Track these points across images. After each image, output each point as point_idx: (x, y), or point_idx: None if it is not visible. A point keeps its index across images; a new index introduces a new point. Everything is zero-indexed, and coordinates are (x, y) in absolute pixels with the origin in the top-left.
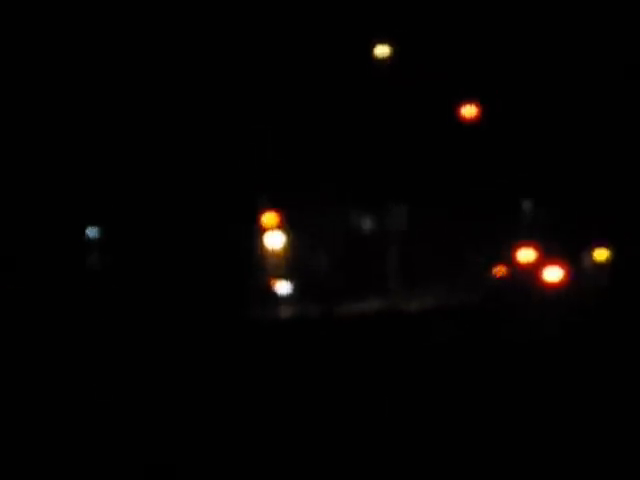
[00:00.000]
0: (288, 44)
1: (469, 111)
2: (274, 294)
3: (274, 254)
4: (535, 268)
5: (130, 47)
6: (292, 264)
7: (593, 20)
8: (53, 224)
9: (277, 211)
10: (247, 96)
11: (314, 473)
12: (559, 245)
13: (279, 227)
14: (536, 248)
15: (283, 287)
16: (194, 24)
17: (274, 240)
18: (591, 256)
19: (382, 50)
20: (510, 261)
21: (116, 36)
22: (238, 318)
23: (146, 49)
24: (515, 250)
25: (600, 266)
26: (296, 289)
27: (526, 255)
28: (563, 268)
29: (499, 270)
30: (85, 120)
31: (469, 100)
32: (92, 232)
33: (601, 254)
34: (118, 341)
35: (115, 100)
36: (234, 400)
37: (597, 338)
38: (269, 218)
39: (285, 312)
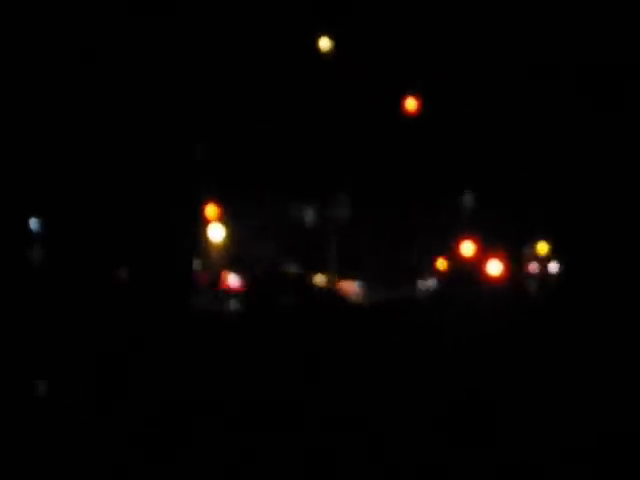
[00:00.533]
0: (236, 34)
1: (411, 104)
2: (219, 286)
3: (216, 246)
4: (476, 261)
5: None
6: (234, 256)
7: (525, 15)
8: None
9: (218, 203)
10: (190, 86)
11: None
12: (500, 238)
13: (220, 219)
14: (477, 242)
15: (228, 279)
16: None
17: (216, 232)
18: (532, 249)
19: (325, 43)
20: (452, 254)
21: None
22: (185, 311)
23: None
24: (457, 243)
25: (541, 259)
26: (239, 281)
27: (467, 248)
28: (503, 261)
29: (441, 263)
30: (23, 112)
31: (411, 93)
32: (34, 224)
33: (542, 247)
34: (61, 337)
35: (54, 90)
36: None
37: (538, 330)
38: (211, 210)
39: (230, 304)
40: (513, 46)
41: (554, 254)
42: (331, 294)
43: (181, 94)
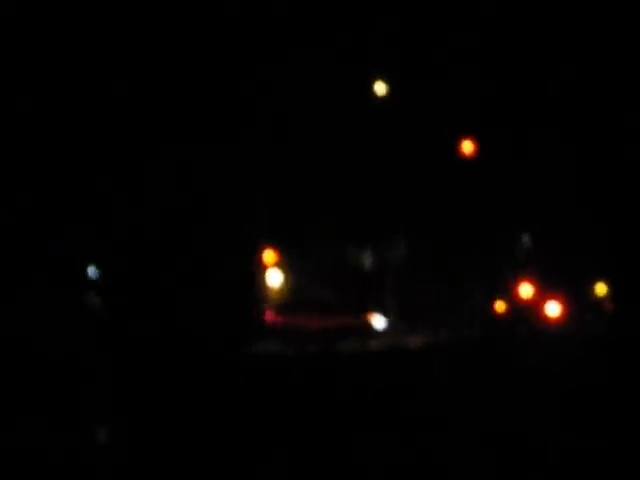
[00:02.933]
0: (286, 80)
1: (467, 146)
2: (275, 330)
3: (274, 291)
4: (535, 303)
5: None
6: (292, 300)
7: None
8: None
9: (275, 248)
10: (243, 129)
11: None
12: (558, 279)
13: (278, 264)
14: (535, 283)
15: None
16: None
17: (274, 277)
18: (592, 290)
19: (380, 87)
20: (510, 296)
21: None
22: (241, 353)
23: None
24: (515, 285)
25: (600, 300)
26: (297, 325)
27: (526, 290)
28: (562, 303)
29: (499, 306)
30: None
31: (466, 136)
32: (92, 270)
33: (601, 288)
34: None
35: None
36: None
37: (599, 372)
38: (268, 255)
39: (288, 348)
40: (562, 88)
41: (613, 294)
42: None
43: (241, 134)
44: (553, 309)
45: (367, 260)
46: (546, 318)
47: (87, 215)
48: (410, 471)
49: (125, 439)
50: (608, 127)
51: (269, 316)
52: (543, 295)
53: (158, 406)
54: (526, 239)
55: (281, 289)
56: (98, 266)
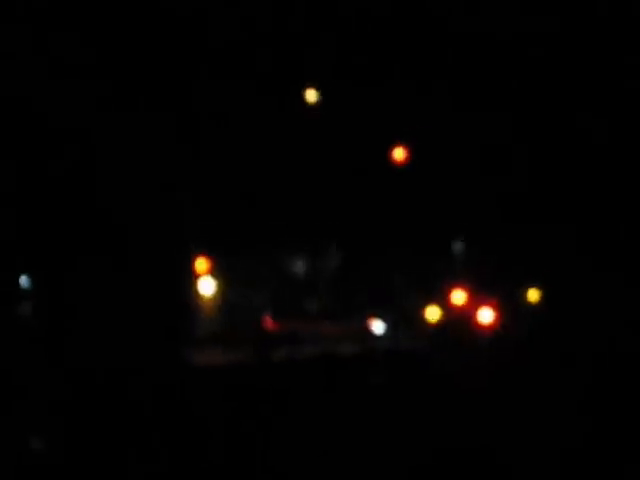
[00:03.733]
0: (220, 85)
1: (399, 153)
2: (209, 339)
3: (207, 300)
4: (467, 310)
5: None
6: (224, 309)
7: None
8: None
9: (207, 257)
10: (177, 137)
11: None
12: (491, 286)
13: (210, 273)
14: (467, 290)
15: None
16: None
17: (206, 286)
18: (523, 296)
19: (311, 94)
20: (442, 303)
21: None
22: (176, 364)
23: None
24: (447, 292)
25: (532, 306)
26: (229, 334)
27: (458, 297)
28: (495, 309)
29: (432, 313)
30: None
31: (398, 142)
32: (24, 280)
33: (533, 294)
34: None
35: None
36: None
37: (530, 378)
38: (200, 264)
39: (219, 357)
40: (502, 92)
41: (544, 301)
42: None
43: (167, 145)
44: (486, 316)
45: (301, 268)
46: (478, 324)
47: (18, 222)
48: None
49: (60, 448)
50: (542, 133)
51: (268, 323)
52: (476, 302)
53: (93, 416)
54: (459, 246)
55: (213, 297)
56: (30, 276)
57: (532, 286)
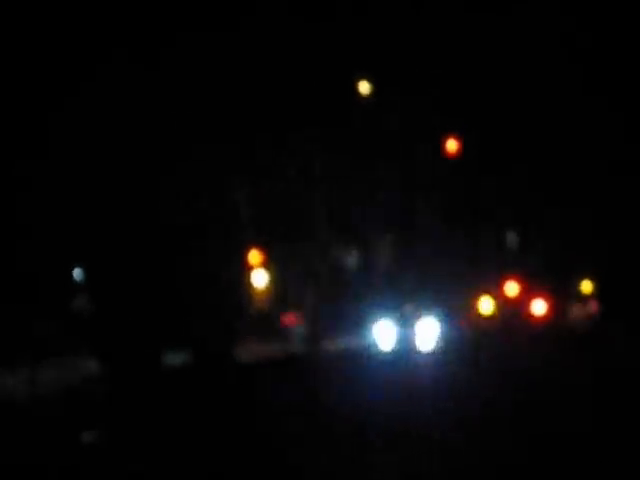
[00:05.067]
0: (272, 86)
1: (452, 145)
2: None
3: (260, 291)
4: (521, 301)
5: None
6: (278, 301)
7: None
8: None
9: (261, 249)
10: (232, 136)
11: None
12: (545, 277)
13: (264, 265)
14: (522, 281)
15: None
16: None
17: (259, 277)
18: (577, 288)
19: (364, 87)
20: (497, 294)
21: None
22: (227, 355)
23: None
24: (502, 283)
25: (586, 298)
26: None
27: (512, 288)
28: (548, 301)
29: (485, 303)
30: None
31: (451, 135)
32: (78, 274)
33: (586, 286)
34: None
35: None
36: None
37: (587, 369)
38: (254, 256)
39: (275, 349)
40: (548, 87)
41: (597, 293)
42: None
43: (223, 140)
44: (539, 307)
45: (352, 261)
46: (532, 316)
47: (75, 218)
48: None
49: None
50: (590, 129)
51: (290, 319)
52: (529, 293)
53: (151, 410)
54: (513, 237)
55: (266, 289)
56: (84, 269)
57: (586, 277)
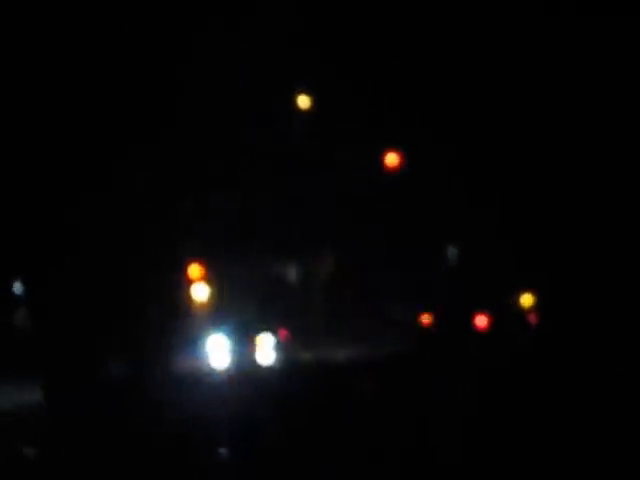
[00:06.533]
0: (212, 98)
1: (391, 159)
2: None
3: (200, 305)
4: (463, 315)
5: None
6: (218, 316)
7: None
8: None
9: (201, 263)
10: (172, 147)
11: None
12: (484, 291)
13: (204, 279)
14: (460, 295)
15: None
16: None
17: (199, 292)
18: (517, 301)
19: (303, 101)
20: (437, 310)
21: None
22: (168, 369)
23: None
24: (440, 298)
25: (526, 311)
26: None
27: (453, 302)
28: (488, 315)
29: (425, 318)
30: None
31: (391, 148)
32: (17, 288)
33: (527, 299)
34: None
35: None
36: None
37: (524, 383)
38: (194, 270)
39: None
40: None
41: (538, 306)
42: None
43: (163, 150)
44: (479, 321)
45: (292, 275)
46: (472, 329)
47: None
48: None
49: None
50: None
51: (282, 334)
52: (470, 308)
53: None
54: (452, 251)
55: (207, 303)
56: (24, 283)
57: (526, 291)
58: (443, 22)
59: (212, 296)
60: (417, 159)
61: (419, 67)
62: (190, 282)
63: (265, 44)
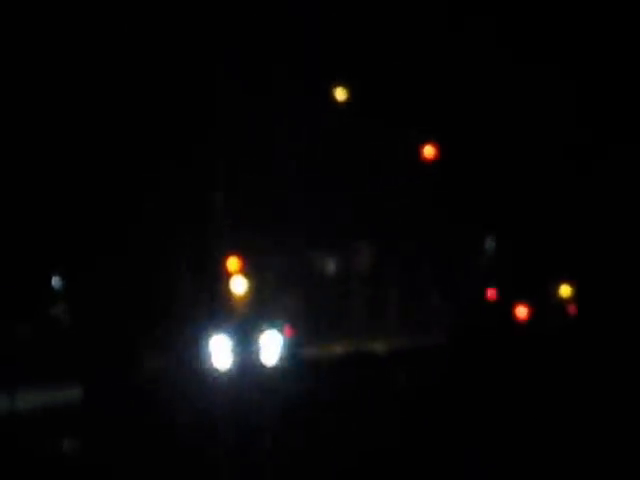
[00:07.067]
0: (250, 91)
1: (429, 151)
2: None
3: (239, 298)
4: (502, 306)
5: None
6: (257, 308)
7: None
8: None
9: (240, 256)
10: (211, 143)
11: None
12: (523, 282)
13: (242, 272)
14: (500, 286)
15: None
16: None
17: (238, 285)
18: (556, 292)
19: (341, 93)
20: (475, 300)
21: None
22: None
23: None
24: (480, 289)
25: (565, 301)
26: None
27: (492, 293)
28: (528, 305)
29: (464, 309)
30: None
31: (428, 141)
32: (56, 282)
33: (565, 289)
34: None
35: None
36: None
37: (566, 373)
38: (232, 263)
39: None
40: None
41: (576, 296)
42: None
43: (199, 143)
44: (519, 312)
45: (331, 267)
46: (513, 320)
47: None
48: None
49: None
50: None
51: (288, 330)
52: (509, 299)
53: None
54: (490, 243)
55: (245, 296)
56: (63, 277)
57: (565, 281)
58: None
59: (250, 289)
60: (455, 151)
61: (457, 59)
62: (229, 275)
63: (302, 35)
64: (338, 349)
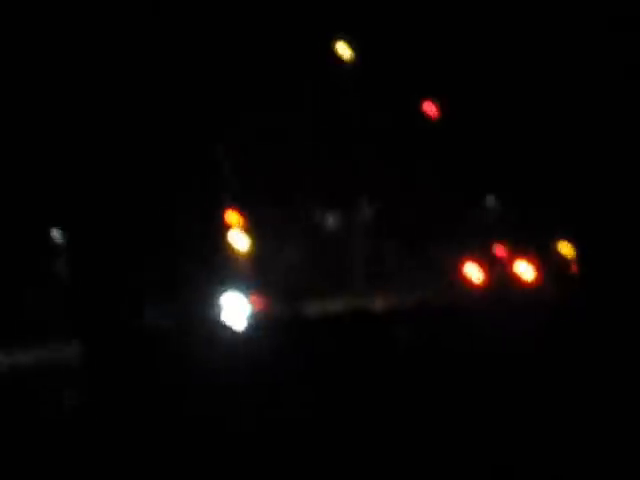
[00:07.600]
0: (249, 45)
1: (430, 108)
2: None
3: (238, 253)
4: (504, 263)
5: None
6: (256, 263)
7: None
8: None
9: (240, 210)
10: (209, 96)
11: None
12: (525, 240)
13: (242, 226)
14: (503, 244)
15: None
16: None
17: (237, 239)
18: (557, 249)
19: (343, 49)
20: (477, 257)
21: None
22: (204, 318)
23: None
24: (482, 246)
25: (567, 259)
26: (262, 289)
27: (498, 250)
28: (532, 263)
29: (466, 267)
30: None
31: (430, 97)
32: (57, 234)
33: (567, 247)
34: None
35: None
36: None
37: (570, 333)
38: (232, 217)
39: (252, 313)
40: (530, 48)
41: (577, 254)
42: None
43: (199, 94)
44: (523, 268)
45: (332, 222)
46: (517, 278)
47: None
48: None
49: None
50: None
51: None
52: (513, 255)
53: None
54: (492, 200)
55: (246, 252)
56: (63, 230)
57: (566, 239)
58: None
59: (252, 245)
60: (456, 108)
61: (458, 20)
62: (227, 229)
63: None
64: (338, 306)
